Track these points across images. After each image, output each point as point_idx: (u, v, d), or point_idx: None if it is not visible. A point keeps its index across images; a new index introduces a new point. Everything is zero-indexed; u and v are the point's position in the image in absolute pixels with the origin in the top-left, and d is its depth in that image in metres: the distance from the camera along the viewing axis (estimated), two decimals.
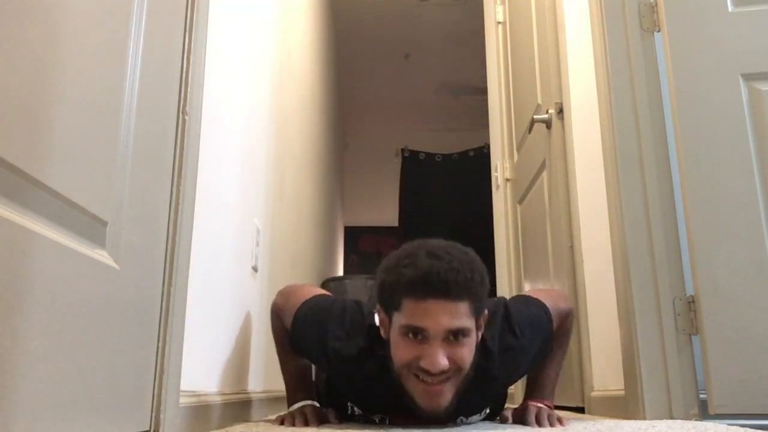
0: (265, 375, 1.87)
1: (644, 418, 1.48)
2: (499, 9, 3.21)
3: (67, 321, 0.69)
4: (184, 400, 1.04)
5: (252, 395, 1.64)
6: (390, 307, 1.17)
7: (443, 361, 1.11)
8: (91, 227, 0.76)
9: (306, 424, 1.34)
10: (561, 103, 2.22)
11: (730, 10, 1.66)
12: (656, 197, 1.62)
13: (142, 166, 0.90)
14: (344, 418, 1.46)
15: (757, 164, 1.55)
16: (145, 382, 0.91)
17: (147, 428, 0.91)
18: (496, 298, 1.41)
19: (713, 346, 1.47)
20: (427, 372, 1.12)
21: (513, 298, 1.50)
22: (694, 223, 1.55)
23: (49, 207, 0.67)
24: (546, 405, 1.40)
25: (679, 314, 1.55)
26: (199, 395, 1.19)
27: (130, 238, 0.86)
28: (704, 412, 1.48)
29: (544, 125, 2.36)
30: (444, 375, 1.13)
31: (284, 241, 2.29)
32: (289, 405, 1.44)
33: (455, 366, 1.14)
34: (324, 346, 1.31)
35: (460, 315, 1.12)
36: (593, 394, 1.90)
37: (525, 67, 2.72)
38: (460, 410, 1.31)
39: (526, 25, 2.68)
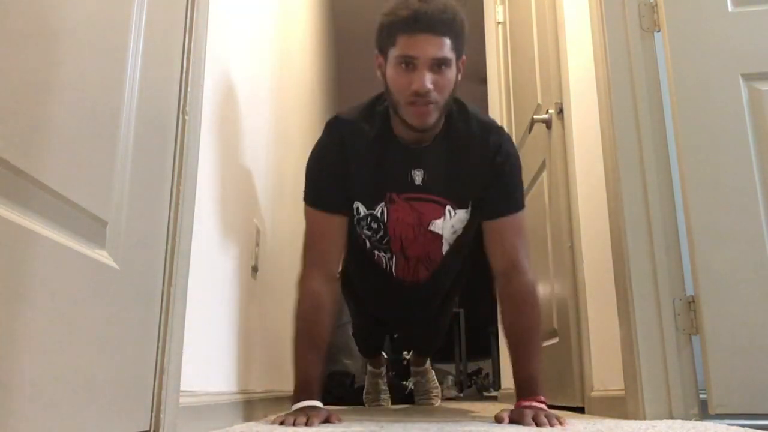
0: (266, 375, 1.87)
1: (644, 418, 1.48)
2: (499, 9, 3.21)
3: (67, 321, 0.69)
4: (184, 400, 1.04)
5: (252, 395, 1.64)
6: (387, 44, 1.43)
7: (429, 84, 1.38)
8: (91, 227, 0.76)
9: (306, 423, 1.34)
10: (561, 103, 2.22)
11: (730, 10, 1.66)
12: (656, 197, 1.62)
13: (142, 166, 0.90)
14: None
15: (757, 164, 1.55)
16: (145, 382, 0.91)
17: (147, 428, 0.91)
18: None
19: (713, 346, 1.47)
20: (417, 93, 1.38)
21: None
22: (694, 223, 1.55)
23: (49, 207, 0.67)
24: (540, 401, 1.40)
25: (679, 314, 1.55)
26: (199, 395, 1.19)
27: (130, 238, 0.86)
28: (704, 412, 1.48)
29: (544, 125, 2.36)
30: (430, 97, 1.39)
31: (284, 241, 2.29)
32: (293, 404, 1.44)
33: (438, 90, 1.40)
34: (333, 125, 1.56)
35: (443, 47, 1.39)
36: (593, 394, 1.90)
37: (525, 67, 2.72)
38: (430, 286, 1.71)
39: (526, 25, 2.68)
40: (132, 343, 0.87)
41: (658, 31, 1.71)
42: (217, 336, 1.40)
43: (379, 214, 1.58)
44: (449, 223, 1.58)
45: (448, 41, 1.39)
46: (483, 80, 3.55)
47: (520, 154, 1.63)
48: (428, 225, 1.58)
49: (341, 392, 2.83)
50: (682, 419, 1.46)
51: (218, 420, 1.27)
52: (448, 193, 1.56)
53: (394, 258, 1.67)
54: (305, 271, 1.55)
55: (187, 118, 1.05)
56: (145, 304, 0.92)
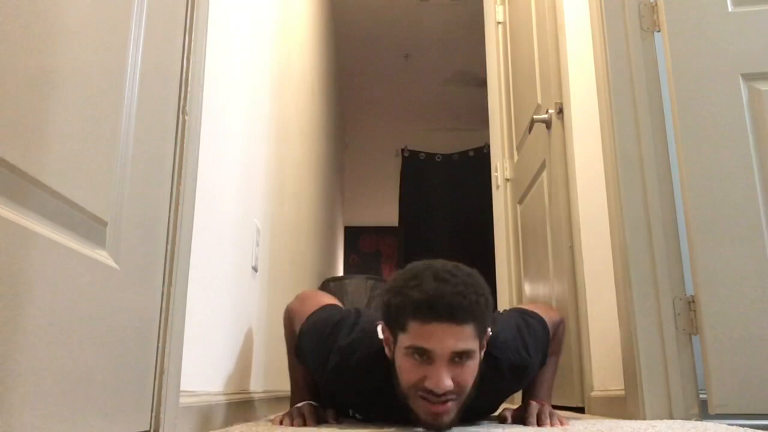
0: (266, 375, 1.87)
1: (644, 418, 1.48)
2: (499, 9, 3.20)
3: (67, 321, 0.69)
4: (184, 400, 1.04)
5: (252, 395, 1.64)
6: (395, 327, 1.19)
7: (448, 382, 1.14)
8: (91, 227, 0.76)
9: (305, 423, 1.34)
10: (561, 103, 2.22)
11: (730, 10, 1.66)
12: (656, 197, 1.62)
13: (142, 166, 0.90)
14: (343, 419, 1.47)
15: (757, 164, 1.55)
16: (145, 382, 0.91)
17: (147, 428, 0.91)
18: (506, 316, 1.46)
19: (713, 346, 1.47)
20: (432, 392, 1.14)
21: (515, 312, 1.53)
22: (694, 223, 1.55)
23: (49, 207, 0.67)
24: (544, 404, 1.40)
25: (679, 314, 1.55)
26: (199, 395, 1.19)
27: (130, 238, 0.86)
28: (704, 412, 1.48)
29: (544, 125, 2.36)
30: (448, 395, 1.15)
31: (284, 241, 2.28)
32: (292, 405, 1.44)
33: (459, 387, 1.16)
34: (326, 359, 1.33)
35: (465, 337, 1.14)
36: (593, 394, 1.90)
37: (525, 67, 2.72)
38: (464, 418, 1.32)
39: (526, 25, 2.68)
40: (132, 343, 0.87)
41: (658, 31, 1.71)
42: (217, 336, 1.40)
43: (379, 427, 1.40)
44: (463, 427, 1.35)
45: (470, 329, 1.15)
46: (483, 82, 3.55)
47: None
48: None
49: None
50: (682, 419, 1.46)
51: (218, 420, 1.27)
52: (469, 419, 1.37)
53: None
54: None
55: (187, 118, 1.05)
56: (145, 304, 0.92)
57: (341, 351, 1.31)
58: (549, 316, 1.50)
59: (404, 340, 1.17)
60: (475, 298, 1.15)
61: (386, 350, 1.25)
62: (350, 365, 1.30)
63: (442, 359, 1.14)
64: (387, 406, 1.29)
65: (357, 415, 1.50)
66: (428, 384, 1.14)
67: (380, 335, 1.27)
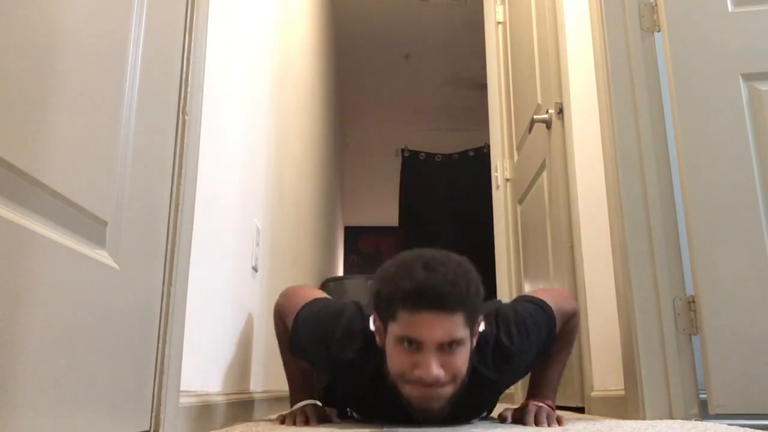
0: (266, 375, 1.87)
1: (644, 418, 1.48)
2: (499, 9, 3.21)
3: (67, 321, 0.69)
4: (184, 400, 1.04)
5: (252, 395, 1.64)
6: (386, 316, 1.19)
7: (438, 371, 1.14)
8: (91, 227, 0.76)
9: (306, 423, 1.34)
10: (561, 103, 2.22)
11: (730, 10, 1.66)
12: (656, 197, 1.62)
13: (142, 166, 0.90)
14: (344, 418, 1.47)
15: (757, 164, 1.55)
16: (145, 382, 0.91)
17: (147, 428, 0.91)
18: (490, 302, 1.41)
19: (713, 346, 1.47)
20: (422, 380, 1.15)
21: (514, 300, 1.50)
22: (694, 223, 1.55)
23: (49, 207, 0.67)
24: (547, 404, 1.40)
25: (679, 314, 1.55)
26: (199, 395, 1.19)
27: (130, 238, 0.86)
28: (704, 412, 1.48)
29: (544, 125, 2.36)
30: (439, 383, 1.15)
31: (284, 241, 2.28)
32: (292, 405, 1.44)
33: (450, 375, 1.16)
34: (323, 349, 1.32)
35: (454, 326, 1.14)
36: (593, 394, 1.90)
37: (525, 67, 2.72)
38: (457, 413, 1.32)
39: (526, 25, 2.68)
40: (132, 343, 0.87)
41: (658, 31, 1.71)
42: (217, 336, 1.40)
43: (377, 426, 1.39)
44: (463, 427, 1.34)
45: (460, 317, 1.15)
46: (482, 85, 3.55)
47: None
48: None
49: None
50: (682, 419, 1.46)
51: (218, 420, 1.27)
52: (455, 416, 1.35)
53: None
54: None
55: (187, 118, 1.05)
56: (145, 304, 0.92)
57: (338, 344, 1.31)
58: (558, 305, 1.40)
59: (394, 329, 1.17)
60: (465, 287, 1.15)
61: (377, 338, 1.25)
62: (346, 358, 1.30)
63: (432, 348, 1.14)
64: (386, 402, 1.29)
65: (355, 415, 1.49)
66: (418, 372, 1.15)
67: (372, 326, 1.27)
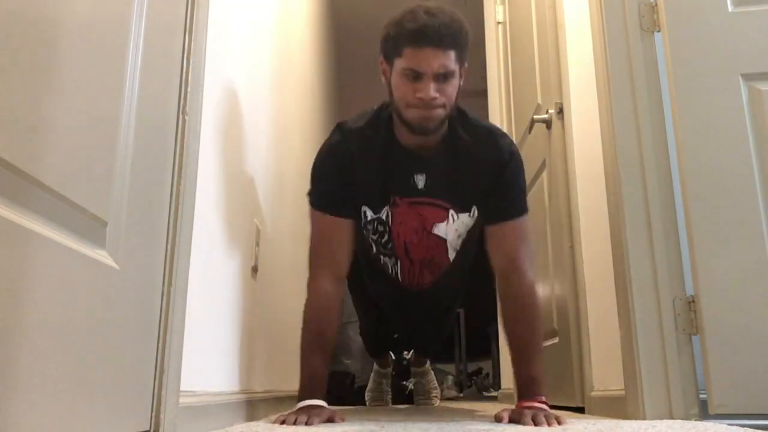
0: (266, 375, 1.87)
1: (644, 418, 1.48)
2: (499, 9, 3.21)
3: (67, 321, 0.69)
4: (184, 400, 1.04)
5: (252, 395, 1.64)
6: (393, 54, 1.46)
7: (434, 93, 1.42)
8: (91, 227, 0.76)
9: (307, 423, 1.34)
10: (561, 103, 2.22)
11: (730, 10, 1.66)
12: (656, 197, 1.62)
13: (142, 166, 0.90)
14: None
15: (757, 164, 1.55)
16: (145, 382, 0.91)
17: (147, 428, 0.91)
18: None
19: (713, 346, 1.47)
20: (422, 100, 1.42)
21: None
22: (694, 223, 1.55)
23: (49, 207, 0.67)
24: (541, 402, 1.40)
25: (679, 314, 1.55)
26: (199, 395, 1.19)
27: (130, 238, 0.86)
28: (704, 412, 1.48)
29: (544, 125, 2.36)
30: (435, 103, 1.43)
31: (284, 241, 2.28)
32: (298, 403, 1.44)
33: (443, 99, 1.44)
34: (339, 131, 1.59)
35: (449, 60, 1.42)
36: (593, 394, 1.90)
37: (525, 67, 2.72)
38: (438, 287, 1.73)
39: (526, 25, 2.68)
40: (132, 343, 0.87)
41: (658, 31, 1.71)
42: (217, 336, 1.40)
43: (384, 217, 1.61)
44: (453, 227, 1.62)
45: (453, 54, 1.42)
46: (482, 83, 3.55)
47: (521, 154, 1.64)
48: (431, 228, 1.61)
49: (341, 392, 2.83)
50: (682, 419, 1.46)
51: (218, 420, 1.27)
52: (451, 197, 1.59)
53: (399, 263, 1.70)
54: (314, 272, 1.57)
55: (187, 118, 1.05)
56: (145, 304, 0.92)
57: (351, 122, 1.60)
58: (529, 250, 1.57)
59: (400, 63, 1.44)
60: (459, 29, 1.42)
61: (383, 79, 1.53)
62: (359, 126, 1.58)
63: (430, 77, 1.41)
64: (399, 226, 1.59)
65: (370, 239, 1.66)
66: (419, 95, 1.42)
67: (380, 70, 1.54)
